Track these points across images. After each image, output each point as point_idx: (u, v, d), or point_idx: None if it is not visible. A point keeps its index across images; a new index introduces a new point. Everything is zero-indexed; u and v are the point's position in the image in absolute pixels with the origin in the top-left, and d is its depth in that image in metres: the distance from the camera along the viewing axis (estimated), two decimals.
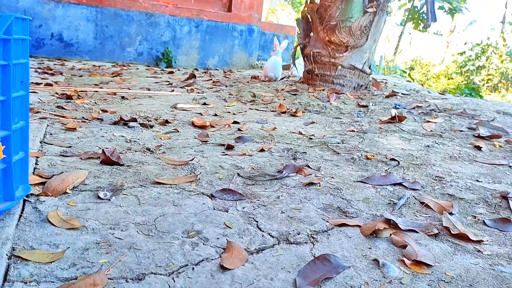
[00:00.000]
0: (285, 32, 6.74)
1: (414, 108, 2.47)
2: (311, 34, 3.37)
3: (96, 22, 5.27)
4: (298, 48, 3.49)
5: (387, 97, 2.89)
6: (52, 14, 5.08)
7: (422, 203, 1.16)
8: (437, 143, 1.78)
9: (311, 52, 3.22)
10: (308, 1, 3.31)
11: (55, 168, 1.25)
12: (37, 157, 1.32)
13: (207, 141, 1.72)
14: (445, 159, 1.58)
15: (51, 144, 1.50)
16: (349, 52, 3.11)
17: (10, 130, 0.86)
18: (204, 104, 2.61)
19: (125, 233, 0.88)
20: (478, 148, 1.74)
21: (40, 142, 1.51)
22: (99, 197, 1.05)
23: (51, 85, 2.92)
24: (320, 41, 3.19)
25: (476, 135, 1.93)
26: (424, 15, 7.17)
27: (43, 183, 1.09)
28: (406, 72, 9.73)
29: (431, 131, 1.99)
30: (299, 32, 3.43)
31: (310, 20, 3.34)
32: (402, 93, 3.06)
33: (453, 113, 2.35)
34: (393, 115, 2.14)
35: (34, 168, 1.22)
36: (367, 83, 3.25)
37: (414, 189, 1.27)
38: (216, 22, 5.75)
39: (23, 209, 0.94)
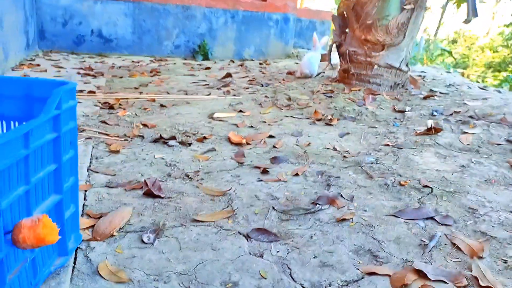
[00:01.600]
0: (321, 17, 6.61)
1: (451, 114, 2.41)
2: (347, 31, 3.31)
3: (134, 17, 5.38)
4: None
5: (424, 98, 2.82)
6: (92, 11, 5.24)
7: (453, 244, 1.17)
8: (473, 162, 1.75)
9: (347, 50, 3.18)
10: None
11: (102, 203, 1.35)
12: (85, 191, 1.43)
13: (243, 162, 1.78)
14: (480, 184, 1.56)
15: (97, 172, 1.60)
16: (385, 50, 3.04)
17: (62, 194, 0.95)
18: (240, 111, 2.66)
19: (168, 285, 0.96)
20: None
21: (87, 170, 1.62)
22: (143, 241, 1.13)
23: (94, 92, 3.06)
24: (356, 39, 3.14)
25: None
26: None
27: (92, 226, 1.19)
28: (449, 52, 9.31)
29: (468, 144, 1.95)
30: (334, 29, 3.38)
31: (347, 17, 3.28)
32: (440, 92, 2.98)
33: (492, 119, 2.27)
34: (429, 126, 2.11)
35: (83, 205, 1.33)
36: (405, 81, 3.18)
37: (446, 225, 1.27)
38: (251, 12, 5.72)
39: (75, 259, 1.04)
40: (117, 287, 0.94)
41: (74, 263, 1.02)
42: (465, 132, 2.11)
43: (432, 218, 1.31)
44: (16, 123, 1.02)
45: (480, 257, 1.10)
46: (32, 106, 1.01)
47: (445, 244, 1.18)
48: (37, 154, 0.84)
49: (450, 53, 9.51)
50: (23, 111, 1.01)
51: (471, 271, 1.04)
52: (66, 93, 0.94)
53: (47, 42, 5.17)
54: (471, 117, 2.34)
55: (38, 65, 4.13)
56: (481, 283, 0.99)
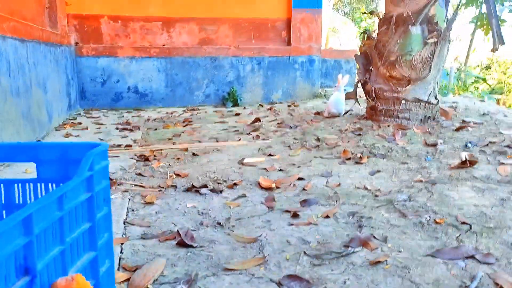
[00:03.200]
0: (346, 56, 6.70)
1: (487, 145, 2.34)
2: (371, 68, 3.34)
3: (166, 71, 5.66)
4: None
5: (457, 129, 2.76)
6: (128, 69, 5.56)
7: (497, 284, 1.11)
8: None
9: (373, 88, 3.19)
10: (366, 38, 3.30)
11: (137, 255, 1.38)
12: (122, 244, 1.47)
13: (273, 207, 1.78)
14: None
15: (133, 225, 1.65)
16: (412, 85, 3.04)
17: (97, 250, 0.99)
18: (270, 155, 2.69)
19: None
20: None
21: (124, 223, 1.67)
22: None
23: (130, 146, 3.20)
24: (381, 76, 3.15)
25: None
26: None
27: (128, 279, 1.22)
28: (483, 79, 9.08)
29: (507, 176, 1.88)
30: (358, 68, 3.42)
31: (369, 55, 3.32)
32: (473, 122, 2.91)
33: None
34: (464, 159, 2.05)
35: (120, 258, 1.37)
36: (435, 113, 3.14)
37: (487, 263, 1.21)
38: (277, 57, 5.89)
39: None
40: None
41: None
42: (502, 163, 2.03)
43: (472, 257, 1.26)
44: (54, 185, 1.08)
45: None
46: (68, 168, 1.08)
47: (488, 285, 1.12)
48: (71, 214, 0.89)
49: (484, 80, 9.29)
50: (59, 173, 1.08)
51: None
52: (98, 155, 1.00)
53: (88, 102, 5.49)
54: (508, 146, 2.26)
55: (80, 123, 4.37)
56: None
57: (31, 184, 1.09)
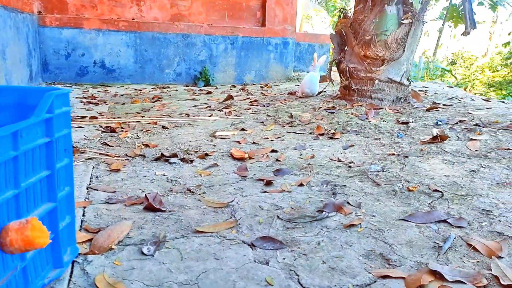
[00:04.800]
0: (320, 41, 6.69)
1: (456, 123, 2.37)
2: (346, 48, 3.32)
3: (136, 47, 5.46)
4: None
5: (428, 110, 2.79)
6: (94, 43, 5.32)
7: (469, 245, 1.11)
8: (483, 167, 1.70)
9: (347, 67, 3.18)
10: (341, 16, 3.27)
11: (101, 218, 1.30)
12: (84, 207, 1.39)
13: (246, 176, 1.73)
14: (492, 187, 1.50)
15: (97, 190, 1.56)
16: (385, 65, 3.04)
17: (56, 202, 0.91)
18: (242, 129, 2.64)
19: None
20: None
21: (87, 188, 1.58)
22: (143, 253, 1.08)
23: (96, 117, 3.06)
24: (356, 56, 3.14)
25: None
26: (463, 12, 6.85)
27: (90, 240, 1.14)
28: (449, 71, 9.34)
29: (476, 150, 1.91)
30: (333, 47, 3.40)
31: (345, 34, 3.30)
32: (443, 104, 2.95)
33: (499, 127, 2.23)
34: (435, 134, 2.07)
35: (82, 221, 1.28)
36: (407, 95, 3.16)
37: (460, 227, 1.21)
38: (250, 38, 5.80)
39: (71, 272, 0.99)
40: None
41: (70, 276, 0.97)
42: (472, 139, 2.06)
43: (444, 221, 1.26)
44: None
45: (499, 257, 1.04)
46: (26, 114, 0.98)
47: (461, 246, 1.11)
48: (27, 157, 0.81)
49: (450, 72, 9.54)
50: (17, 120, 0.98)
51: (490, 271, 0.98)
52: (58, 97, 0.92)
53: (51, 75, 5.23)
54: (477, 125, 2.30)
55: None
56: (503, 282, 0.93)
57: None
